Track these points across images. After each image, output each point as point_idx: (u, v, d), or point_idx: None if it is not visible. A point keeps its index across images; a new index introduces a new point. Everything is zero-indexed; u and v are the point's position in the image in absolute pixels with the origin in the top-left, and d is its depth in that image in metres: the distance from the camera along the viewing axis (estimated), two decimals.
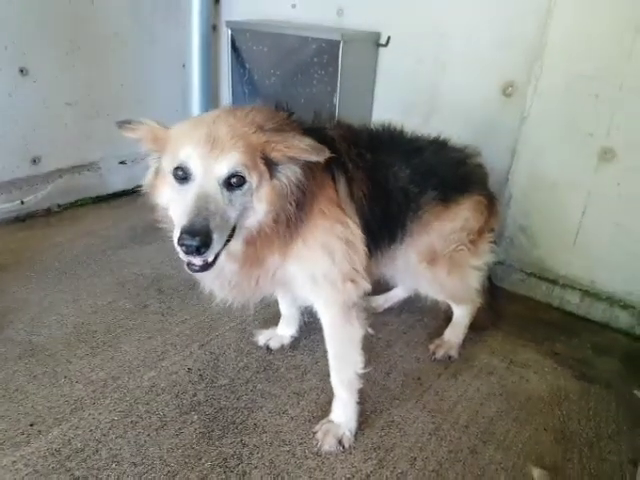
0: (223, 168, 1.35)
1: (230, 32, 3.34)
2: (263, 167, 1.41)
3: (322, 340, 2.17)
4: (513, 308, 2.76)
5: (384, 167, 1.86)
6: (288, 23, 3.33)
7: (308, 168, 1.51)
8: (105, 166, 3.79)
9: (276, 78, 3.26)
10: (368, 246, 1.75)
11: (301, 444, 1.79)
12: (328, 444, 1.76)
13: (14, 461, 1.64)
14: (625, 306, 2.63)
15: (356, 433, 1.83)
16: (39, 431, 1.76)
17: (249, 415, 1.90)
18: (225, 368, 2.14)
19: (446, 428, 1.91)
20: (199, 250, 1.27)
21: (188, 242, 1.26)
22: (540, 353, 2.41)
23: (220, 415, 1.89)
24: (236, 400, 1.97)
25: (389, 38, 3.02)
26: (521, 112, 2.67)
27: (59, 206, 3.57)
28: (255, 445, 1.77)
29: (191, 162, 1.36)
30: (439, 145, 2.11)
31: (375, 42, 3.04)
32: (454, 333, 2.33)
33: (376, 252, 1.87)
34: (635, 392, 2.12)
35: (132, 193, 3.95)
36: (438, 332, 2.43)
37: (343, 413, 1.83)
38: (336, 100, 2.93)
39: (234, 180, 1.37)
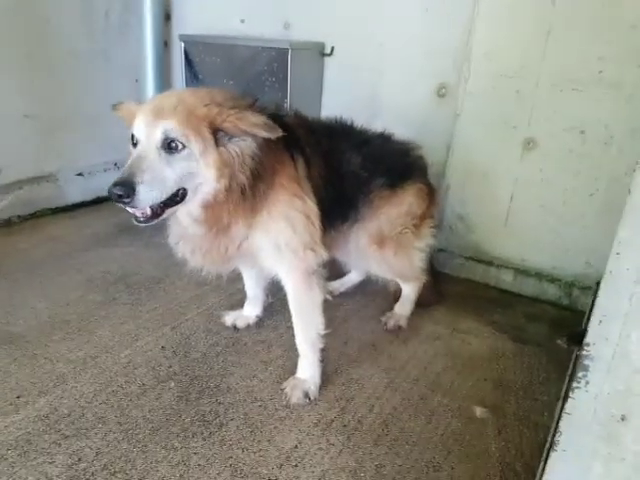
0: (158, 132, 1.57)
1: (183, 45, 3.55)
2: (209, 135, 1.60)
3: (285, 318, 2.40)
4: (454, 289, 3.05)
5: (339, 153, 2.11)
6: (239, 36, 3.57)
7: (267, 146, 1.73)
8: (63, 177, 3.89)
9: (229, 87, 3.48)
10: (323, 223, 1.98)
11: (271, 399, 1.99)
12: (296, 397, 1.97)
13: (6, 426, 1.76)
14: (552, 280, 2.96)
15: (320, 388, 2.04)
16: (26, 402, 1.88)
17: (222, 380, 2.08)
18: (196, 345, 2.31)
19: (398, 382, 2.15)
20: (122, 198, 1.49)
21: (112, 190, 1.48)
22: (480, 322, 2.69)
23: (195, 382, 2.06)
24: (209, 369, 2.14)
25: (333, 48, 3.32)
26: (454, 111, 3.00)
27: (19, 217, 3.64)
28: (230, 403, 1.95)
29: (137, 129, 1.59)
30: (385, 138, 2.38)
31: (320, 52, 3.33)
32: (403, 307, 2.59)
33: (330, 229, 2.09)
34: (558, 342, 2.41)
35: (90, 204, 4.07)
36: (389, 309, 2.67)
37: (308, 370, 2.04)
38: (287, 105, 3.17)
39: (173, 144, 1.57)
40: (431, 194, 2.47)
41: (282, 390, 2.01)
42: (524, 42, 2.73)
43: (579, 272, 2.89)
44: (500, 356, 2.41)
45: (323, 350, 2.07)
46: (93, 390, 1.97)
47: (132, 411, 1.87)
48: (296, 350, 2.19)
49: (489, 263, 3.12)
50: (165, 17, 4.03)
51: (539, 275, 3.00)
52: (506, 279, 3.09)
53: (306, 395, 1.98)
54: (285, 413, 1.92)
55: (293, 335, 2.34)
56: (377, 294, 2.86)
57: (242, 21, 3.68)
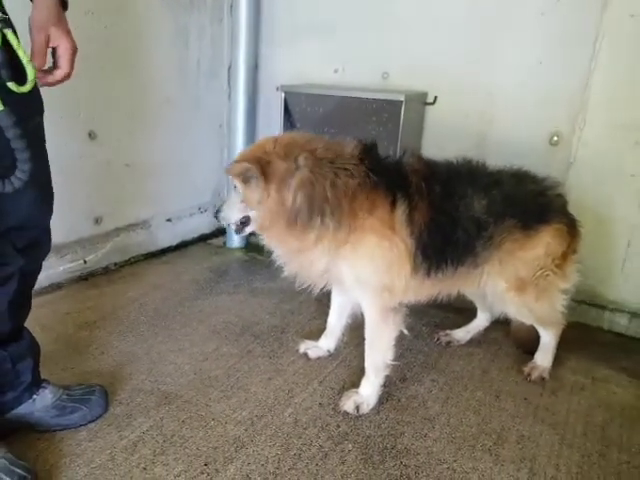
0: None
1: (284, 95, 3.62)
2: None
3: (426, 371, 2.45)
4: (570, 333, 3.00)
5: (457, 197, 2.17)
6: (341, 86, 3.65)
7: (363, 188, 1.99)
8: (155, 224, 3.95)
9: (329, 136, 3.52)
10: (427, 267, 2.14)
11: (456, 461, 1.97)
12: (347, 406, 2.21)
13: None
14: None
15: (499, 447, 2.05)
16: (216, 469, 1.87)
17: (396, 441, 2.07)
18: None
19: (570, 437, 2.14)
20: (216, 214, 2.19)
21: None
22: (612, 369, 2.68)
23: (371, 442, 2.05)
24: (377, 428, 2.13)
25: (436, 97, 3.38)
26: (567, 159, 3.04)
27: (115, 264, 3.67)
28: (416, 465, 1.94)
29: None
30: (519, 177, 2.37)
31: (423, 101, 3.40)
32: (544, 357, 2.58)
33: (437, 273, 2.19)
34: None
35: (176, 248, 4.11)
36: (520, 358, 2.70)
37: (367, 388, 2.25)
38: (396, 152, 3.22)
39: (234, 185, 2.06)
40: (572, 230, 2.43)
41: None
42: None
43: None
44: None
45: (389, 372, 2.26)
46: (275, 454, 1.96)
47: (324, 476, 1.86)
48: (458, 406, 2.22)
49: (602, 307, 3.13)
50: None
51: None
52: (621, 322, 3.10)
53: (356, 408, 2.19)
54: (476, 475, 1.91)
55: (444, 390, 2.36)
56: (501, 343, 2.88)
57: (335, 71, 3.76)
